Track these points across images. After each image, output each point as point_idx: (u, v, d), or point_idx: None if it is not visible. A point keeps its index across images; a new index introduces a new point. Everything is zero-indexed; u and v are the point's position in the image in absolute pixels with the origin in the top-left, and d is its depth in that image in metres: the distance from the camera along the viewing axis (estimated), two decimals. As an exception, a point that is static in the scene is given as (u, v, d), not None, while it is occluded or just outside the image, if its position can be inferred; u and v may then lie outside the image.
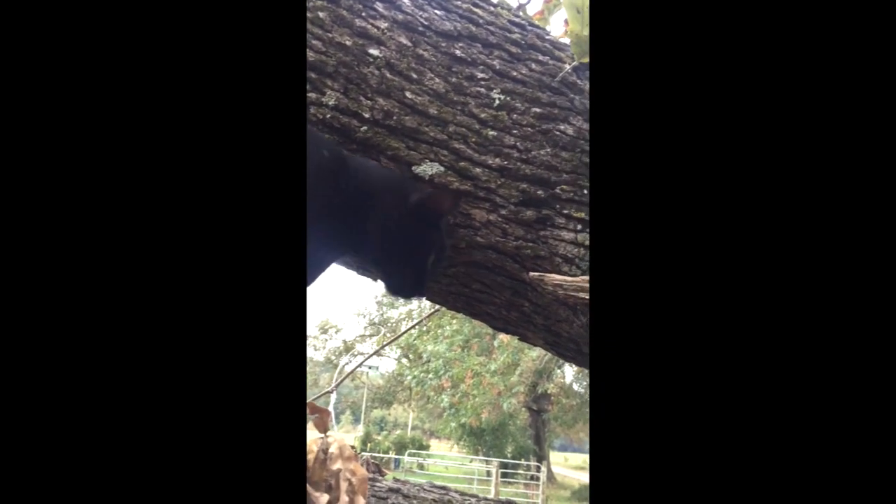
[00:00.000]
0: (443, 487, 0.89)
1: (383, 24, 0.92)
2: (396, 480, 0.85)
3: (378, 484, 0.79)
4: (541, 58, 0.98)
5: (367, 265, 1.00)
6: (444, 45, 0.94)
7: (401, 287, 0.86)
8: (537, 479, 10.13)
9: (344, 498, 0.53)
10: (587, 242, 0.88)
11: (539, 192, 0.91)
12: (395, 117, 0.90)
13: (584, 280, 0.76)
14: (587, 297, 0.74)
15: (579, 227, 0.90)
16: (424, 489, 0.83)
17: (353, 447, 0.73)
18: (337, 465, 0.53)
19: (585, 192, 0.91)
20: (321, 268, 0.87)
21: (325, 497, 0.52)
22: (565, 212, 0.91)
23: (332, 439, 0.54)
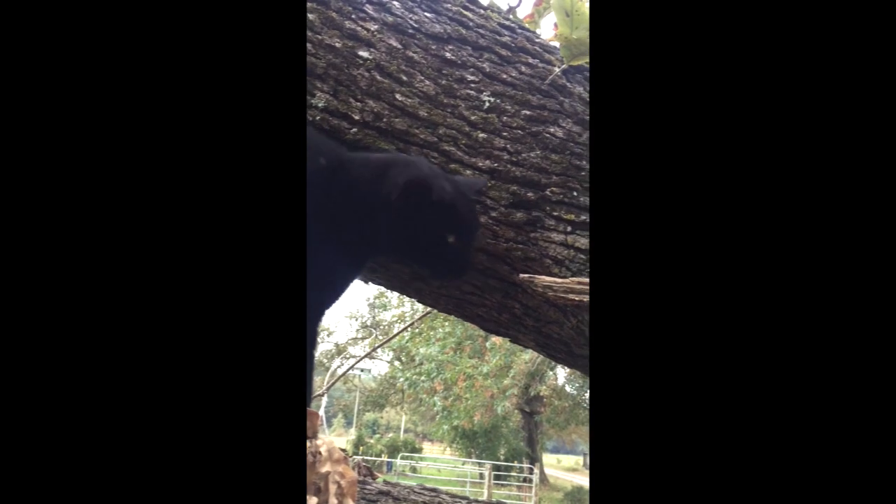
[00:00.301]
0: (433, 489, 0.89)
1: (373, 27, 0.92)
2: (387, 483, 0.85)
3: (368, 487, 0.79)
4: (530, 61, 0.98)
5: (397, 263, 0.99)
6: (434, 47, 0.94)
7: (442, 274, 0.83)
8: (530, 481, 10.14)
9: (333, 501, 0.52)
10: (577, 244, 0.89)
11: (529, 195, 0.91)
12: (384, 119, 0.90)
13: (573, 282, 0.77)
14: (576, 298, 0.74)
15: (569, 228, 0.90)
16: (415, 491, 0.83)
17: (343, 450, 0.73)
18: (326, 468, 0.53)
19: (575, 194, 0.92)
20: (346, 282, 0.85)
21: (314, 500, 0.52)
22: (555, 214, 0.91)
23: (321, 442, 0.53)
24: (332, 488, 0.51)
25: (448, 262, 0.80)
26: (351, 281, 0.87)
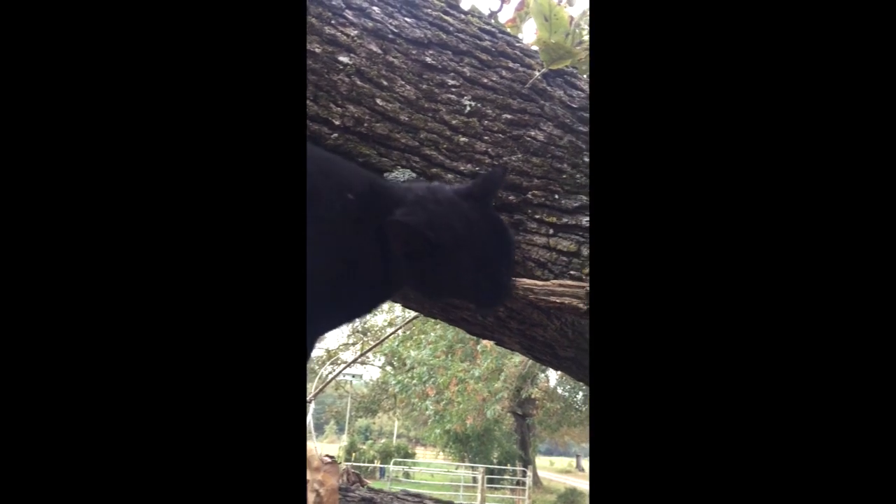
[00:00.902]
0: (417, 495, 0.88)
1: (353, 32, 0.92)
2: (370, 490, 0.85)
3: (351, 494, 0.78)
4: (511, 65, 0.99)
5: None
6: (414, 52, 0.94)
7: (478, 306, 0.81)
8: (523, 483, 10.14)
9: (313, 509, 0.52)
10: (559, 247, 0.89)
11: (511, 198, 0.92)
12: (365, 124, 0.90)
13: (554, 284, 0.77)
14: (558, 301, 0.75)
15: (551, 231, 0.90)
16: (398, 498, 0.83)
17: (330, 456, 0.72)
18: (305, 477, 0.53)
19: (557, 196, 0.92)
20: (369, 308, 0.85)
21: (294, 509, 0.51)
22: (537, 217, 0.91)
23: (300, 450, 0.53)
24: (311, 497, 0.50)
25: (479, 295, 0.77)
26: (374, 307, 0.86)
